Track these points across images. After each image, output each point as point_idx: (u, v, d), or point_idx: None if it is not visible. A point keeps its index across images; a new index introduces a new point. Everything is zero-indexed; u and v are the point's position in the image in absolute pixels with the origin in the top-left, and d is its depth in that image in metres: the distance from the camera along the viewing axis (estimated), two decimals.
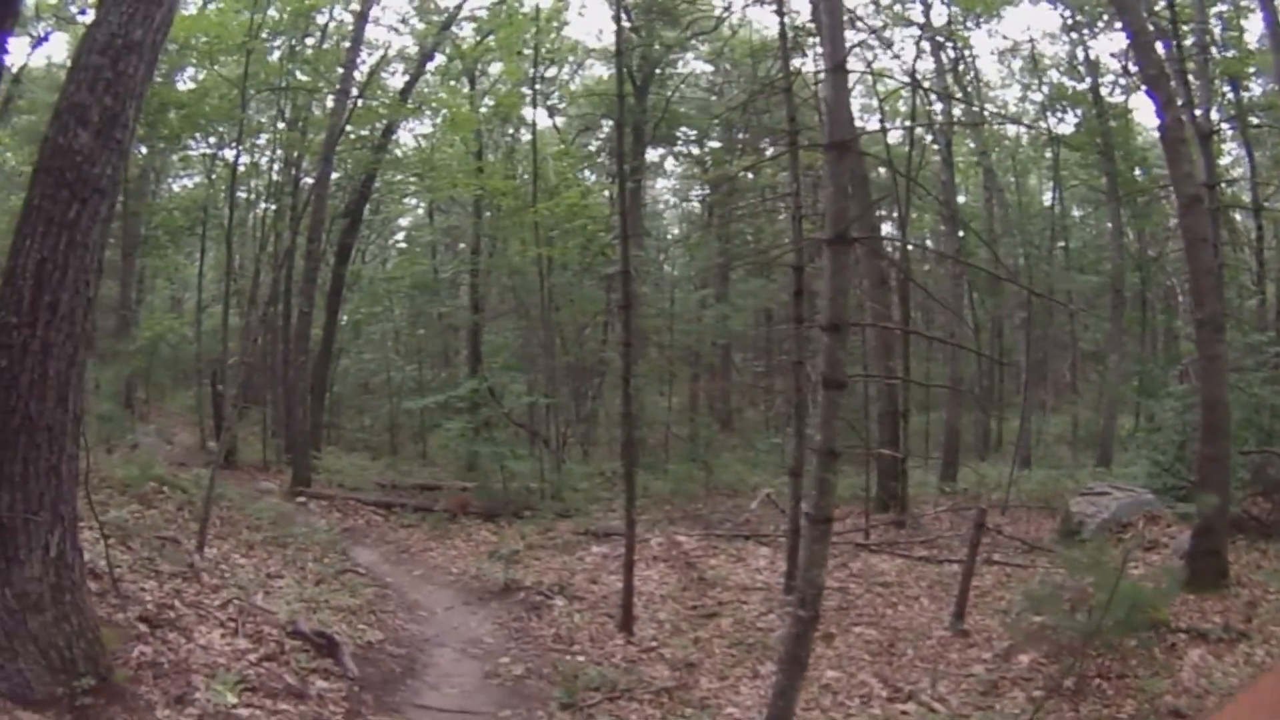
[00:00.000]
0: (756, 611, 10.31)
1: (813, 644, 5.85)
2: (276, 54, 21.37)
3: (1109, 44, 22.73)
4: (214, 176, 25.49)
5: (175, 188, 28.88)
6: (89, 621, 5.74)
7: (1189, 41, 15.91)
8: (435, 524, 15.88)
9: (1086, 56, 22.93)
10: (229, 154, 23.44)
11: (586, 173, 27.81)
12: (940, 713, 7.11)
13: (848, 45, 6.56)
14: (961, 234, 22.02)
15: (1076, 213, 32.03)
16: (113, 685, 5.63)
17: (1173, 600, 7.82)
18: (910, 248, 22.01)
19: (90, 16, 12.57)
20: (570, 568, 12.71)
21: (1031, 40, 24.52)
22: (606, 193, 26.19)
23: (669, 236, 37.16)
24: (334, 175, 22.65)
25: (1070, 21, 22.04)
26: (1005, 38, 31.29)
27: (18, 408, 5.53)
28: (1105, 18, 20.84)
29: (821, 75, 6.13)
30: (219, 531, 11.48)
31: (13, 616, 5.27)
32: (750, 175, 29.80)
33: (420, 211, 32.76)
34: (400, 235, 35.58)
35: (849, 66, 5.90)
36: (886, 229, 24.78)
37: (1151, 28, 11.96)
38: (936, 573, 11.39)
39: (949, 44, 21.76)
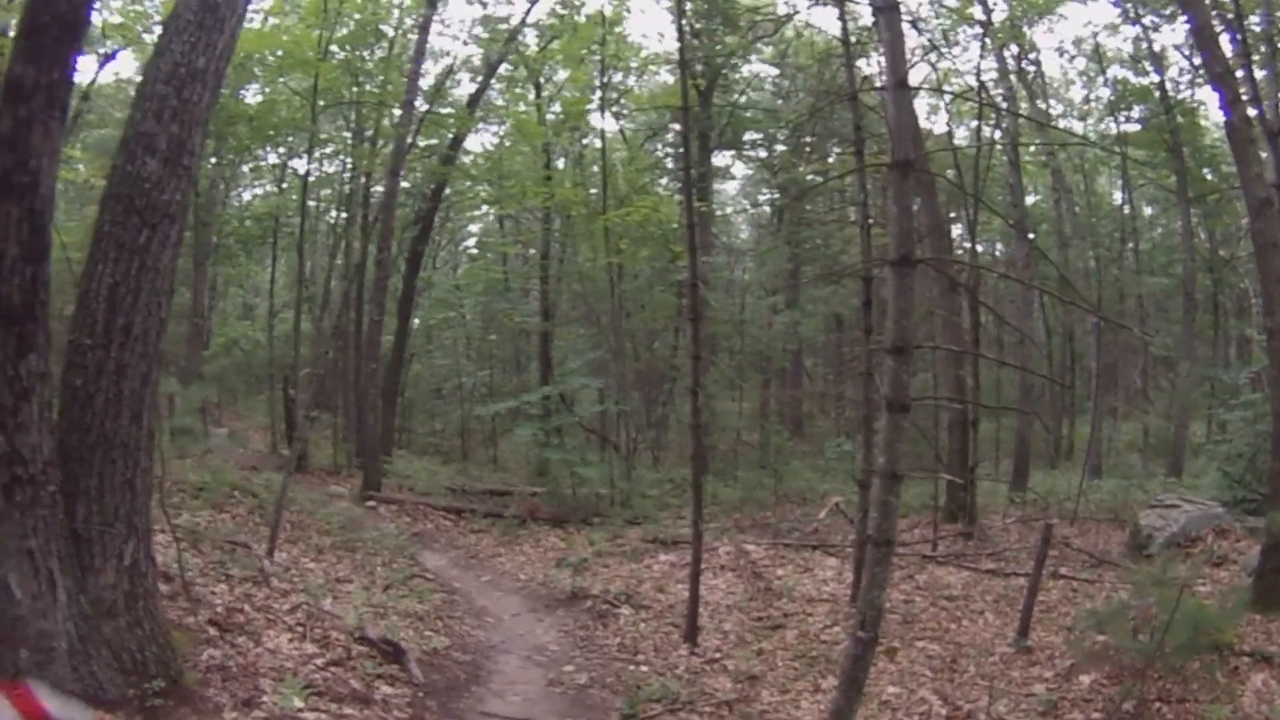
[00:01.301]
0: (822, 624, 10.24)
1: (872, 663, 5.81)
2: (343, 69, 21.73)
3: (1173, 35, 21.68)
4: (284, 186, 26.06)
5: (246, 197, 29.56)
6: (160, 626, 5.98)
7: (1257, 29, 15.19)
8: (505, 530, 16.08)
9: (1150, 49, 22.11)
10: (299, 164, 23.93)
11: (660, 180, 27.77)
12: None
13: (910, 50, 6.51)
14: (1031, 236, 21.54)
15: (1148, 211, 31.18)
16: (182, 688, 5.84)
17: (1239, 622, 7.62)
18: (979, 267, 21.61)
19: (155, 35, 12.98)
20: (637, 576, 12.76)
21: (1095, 35, 23.88)
22: (677, 198, 26.17)
23: (739, 239, 37.01)
24: (404, 185, 22.99)
25: (1133, 12, 21.24)
26: (1063, 39, 30.52)
27: (93, 425, 5.80)
28: (1169, 9, 20.04)
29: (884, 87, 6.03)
30: (289, 536, 11.76)
31: (88, 622, 5.48)
32: (819, 179, 29.57)
33: (491, 218, 33.06)
34: (471, 241, 36.01)
35: (912, 78, 5.85)
36: (956, 231, 24.45)
37: (1216, 18, 11.52)
38: (1003, 586, 11.18)
39: (1012, 44, 21.32)
